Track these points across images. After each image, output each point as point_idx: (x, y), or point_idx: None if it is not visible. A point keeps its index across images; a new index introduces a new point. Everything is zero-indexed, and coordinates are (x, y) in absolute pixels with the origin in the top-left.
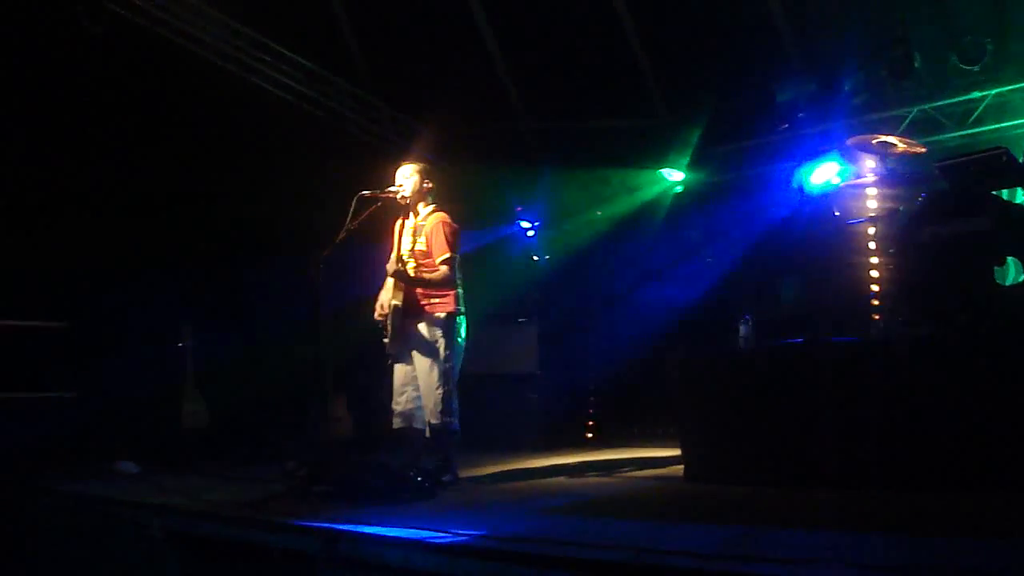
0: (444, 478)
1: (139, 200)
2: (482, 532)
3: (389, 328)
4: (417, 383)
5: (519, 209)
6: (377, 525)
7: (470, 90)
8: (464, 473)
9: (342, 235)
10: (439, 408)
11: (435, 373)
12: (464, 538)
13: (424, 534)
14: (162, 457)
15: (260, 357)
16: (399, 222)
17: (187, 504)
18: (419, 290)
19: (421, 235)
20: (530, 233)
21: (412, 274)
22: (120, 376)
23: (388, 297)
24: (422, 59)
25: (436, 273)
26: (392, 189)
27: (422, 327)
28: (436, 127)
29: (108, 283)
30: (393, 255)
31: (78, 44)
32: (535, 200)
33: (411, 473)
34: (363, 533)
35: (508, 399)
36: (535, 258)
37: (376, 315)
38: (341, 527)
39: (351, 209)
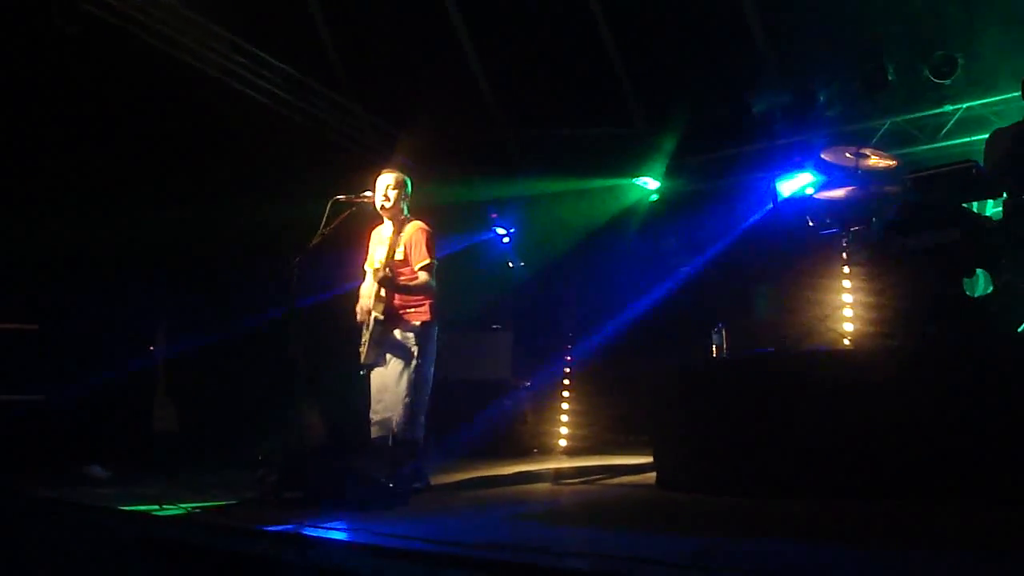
0: (415, 485)
1: (112, 201)
2: (454, 540)
3: (367, 338)
4: (393, 392)
5: (494, 216)
6: (348, 532)
7: (449, 97)
8: (436, 480)
9: (316, 240)
10: (404, 418)
11: (404, 382)
12: (436, 546)
13: (396, 542)
14: (132, 461)
15: (233, 361)
16: (373, 231)
17: (156, 509)
18: (397, 298)
19: (399, 244)
20: (505, 240)
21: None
22: (91, 379)
23: (369, 304)
24: (401, 66)
25: (417, 280)
26: (367, 194)
27: (397, 334)
28: (414, 133)
29: (80, 285)
30: (377, 262)
31: (53, 44)
32: (511, 207)
33: (384, 480)
34: (335, 540)
35: (482, 406)
36: (510, 265)
37: (359, 317)
38: (312, 534)
39: (325, 214)
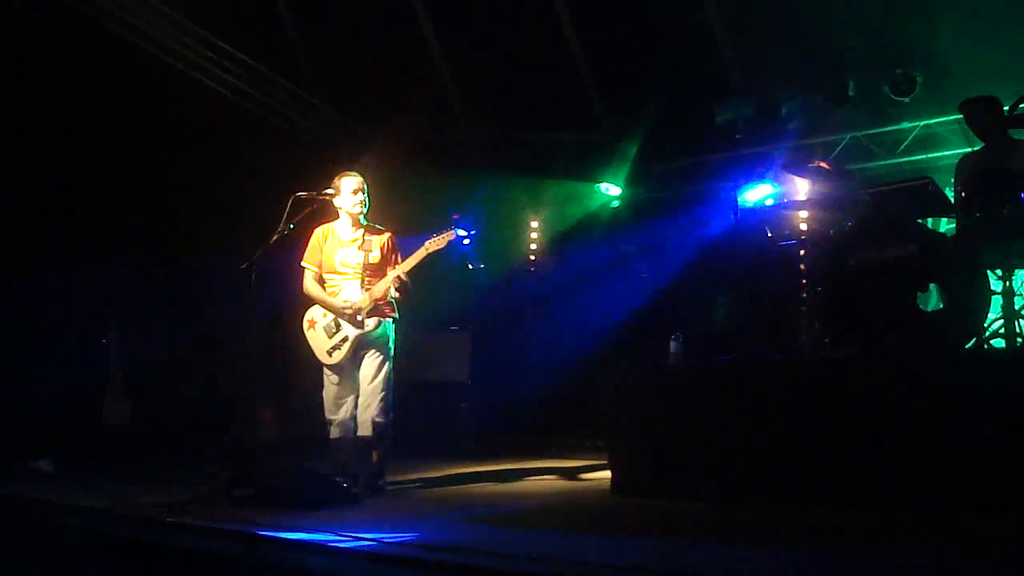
0: (379, 483)
1: (69, 191)
2: (408, 540)
3: (328, 340)
4: (356, 394)
5: (455, 217)
6: (301, 531)
7: (413, 96)
8: (392, 479)
9: (275, 237)
10: (382, 409)
11: (381, 376)
12: (389, 546)
13: (349, 541)
14: (82, 456)
15: (189, 357)
16: (326, 232)
17: (106, 505)
18: (378, 300)
19: (374, 248)
20: (466, 241)
21: (363, 285)
22: (41, 371)
23: (358, 305)
24: (367, 64)
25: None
26: (329, 192)
27: (372, 334)
28: (378, 131)
29: (35, 276)
30: (340, 264)
31: (12, 28)
32: (473, 208)
33: (338, 478)
34: (286, 539)
35: (438, 407)
36: (470, 267)
37: (350, 313)
38: (263, 532)
39: (286, 210)
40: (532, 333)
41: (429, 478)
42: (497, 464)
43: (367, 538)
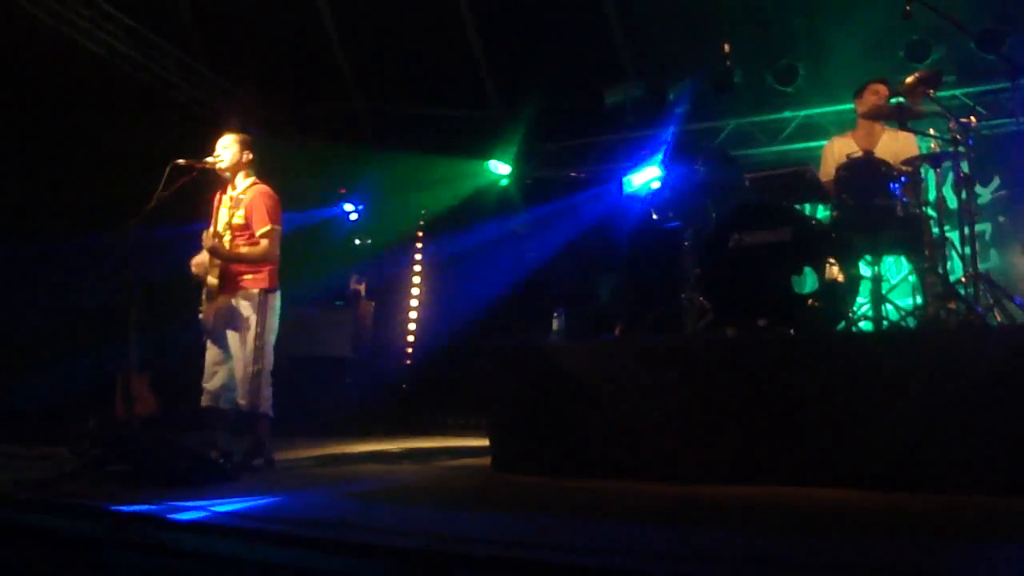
0: (255, 462)
1: None
2: (281, 517)
3: (204, 302)
4: (230, 363)
5: (343, 191)
6: (172, 508)
7: (304, 66)
8: (274, 456)
9: (153, 204)
10: (248, 389)
11: (247, 352)
12: (261, 523)
13: (221, 518)
14: None
15: (61, 328)
16: (217, 195)
17: None
18: (235, 265)
19: (240, 207)
20: (353, 216)
21: (228, 248)
22: None
23: (204, 264)
24: (256, 33)
25: (257, 248)
26: (209, 159)
27: (235, 302)
28: (267, 101)
29: None
30: (210, 228)
31: None
32: (361, 183)
33: (213, 455)
34: (155, 517)
35: (322, 383)
36: (357, 242)
37: (192, 267)
38: (132, 509)
39: (164, 177)
40: (418, 309)
41: (311, 455)
42: (379, 441)
43: (240, 515)
